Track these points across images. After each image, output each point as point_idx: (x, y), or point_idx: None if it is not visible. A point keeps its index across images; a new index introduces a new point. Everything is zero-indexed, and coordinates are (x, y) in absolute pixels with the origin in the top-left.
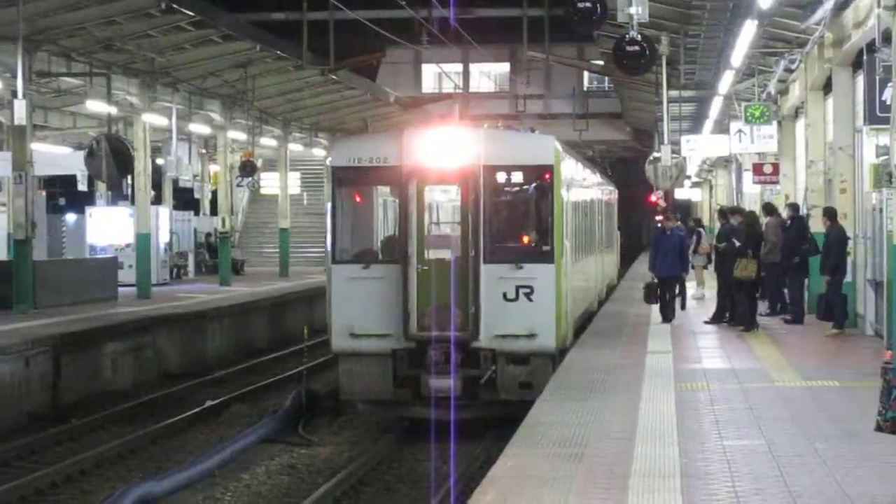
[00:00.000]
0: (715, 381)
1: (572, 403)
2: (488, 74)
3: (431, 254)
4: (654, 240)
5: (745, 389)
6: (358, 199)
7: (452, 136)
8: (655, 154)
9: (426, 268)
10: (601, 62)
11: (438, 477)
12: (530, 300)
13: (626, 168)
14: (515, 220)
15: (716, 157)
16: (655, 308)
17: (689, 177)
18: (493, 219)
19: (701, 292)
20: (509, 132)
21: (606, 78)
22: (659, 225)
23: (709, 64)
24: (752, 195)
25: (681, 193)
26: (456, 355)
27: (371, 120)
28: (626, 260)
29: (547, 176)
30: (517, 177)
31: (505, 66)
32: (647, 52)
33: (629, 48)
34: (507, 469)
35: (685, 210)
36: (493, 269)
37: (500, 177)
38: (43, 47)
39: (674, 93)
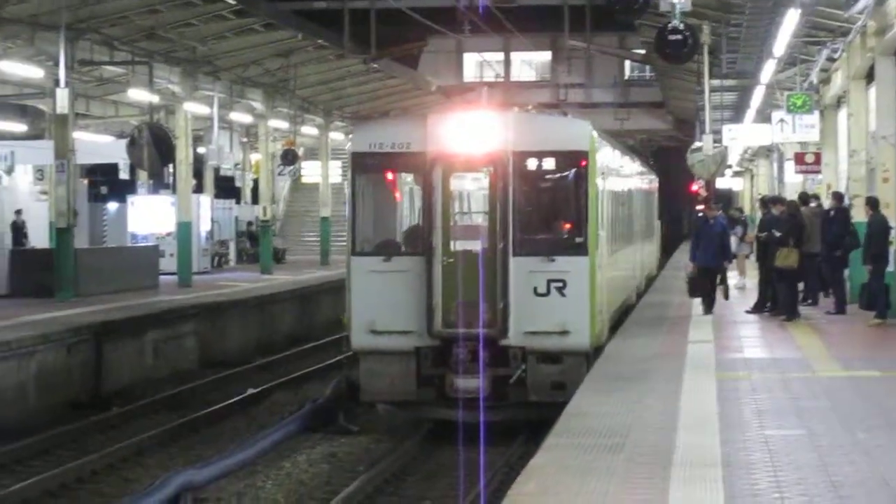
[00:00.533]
0: (756, 371)
1: (613, 393)
2: (530, 63)
3: (458, 245)
4: (696, 229)
5: (787, 379)
6: (379, 187)
7: (480, 121)
8: (697, 143)
9: (452, 260)
10: (643, 51)
11: (467, 484)
12: (563, 295)
13: (667, 157)
14: (547, 209)
15: (757, 147)
16: (697, 299)
17: (730, 166)
18: (524, 208)
19: (743, 282)
20: (541, 116)
21: (648, 67)
22: (700, 214)
23: (751, 53)
24: (793, 185)
25: (722, 183)
26: (484, 353)
27: (411, 109)
28: (668, 250)
29: (581, 163)
30: (549, 164)
31: (546, 55)
32: (690, 41)
33: (671, 37)
34: (547, 459)
35: (726, 200)
36: (524, 262)
37: (531, 164)
38: (85, 36)
39: (715, 82)
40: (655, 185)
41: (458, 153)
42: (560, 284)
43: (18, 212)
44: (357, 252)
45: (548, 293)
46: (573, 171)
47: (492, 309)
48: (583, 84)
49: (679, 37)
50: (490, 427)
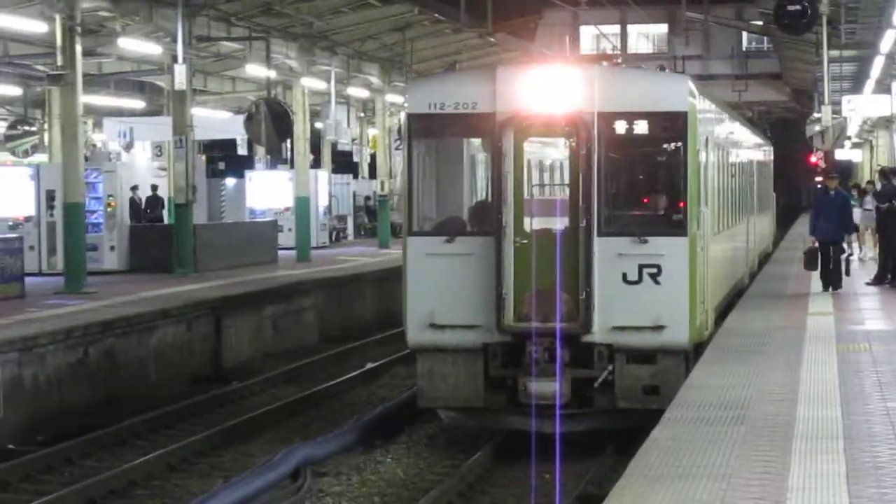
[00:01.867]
0: (877, 343)
1: (732, 366)
2: (646, 35)
3: (533, 224)
4: (816, 201)
5: None
6: (441, 155)
7: (559, 76)
8: (816, 115)
9: (526, 242)
10: (760, 22)
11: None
12: (657, 283)
13: (785, 129)
14: (639, 181)
15: (877, 118)
16: (815, 275)
17: (849, 137)
18: (611, 180)
19: (866, 253)
20: (631, 71)
21: (766, 38)
22: (820, 185)
23: (870, 23)
24: None
25: (841, 154)
26: (563, 352)
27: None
28: (785, 222)
29: (679, 125)
30: (641, 127)
31: (663, 27)
32: (808, 11)
33: (790, 7)
34: (667, 432)
35: (846, 171)
36: (611, 244)
37: (620, 127)
38: (202, 12)
39: (834, 52)
40: (770, 154)
41: (533, 114)
42: (654, 270)
43: (134, 188)
44: (414, 231)
45: (639, 280)
46: (670, 135)
47: (572, 299)
48: (700, 56)
49: (798, 7)
50: (571, 438)
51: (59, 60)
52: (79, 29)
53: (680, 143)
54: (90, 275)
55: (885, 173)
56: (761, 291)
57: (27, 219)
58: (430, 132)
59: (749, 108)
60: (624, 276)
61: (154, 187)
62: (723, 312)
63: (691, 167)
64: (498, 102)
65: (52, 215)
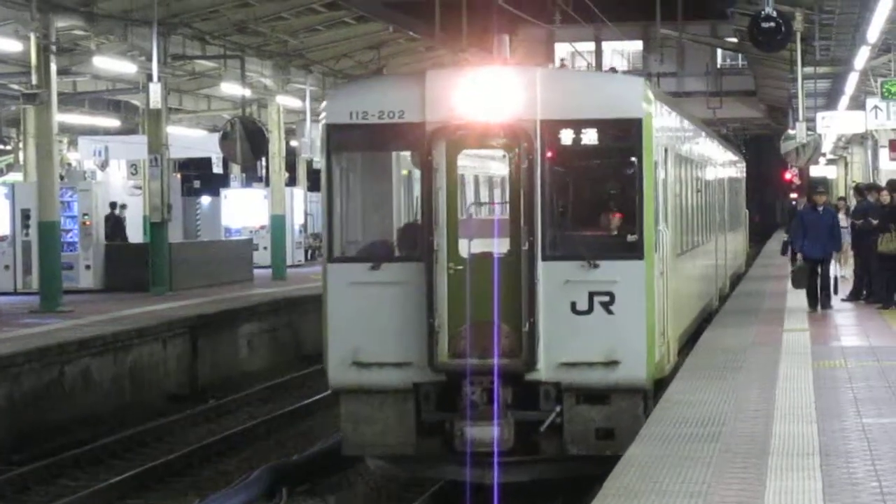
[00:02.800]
0: (853, 359)
1: (708, 382)
2: (621, 52)
3: (469, 247)
4: (802, 218)
5: (884, 367)
6: (364, 170)
7: (496, 80)
8: (790, 131)
9: (461, 268)
10: (735, 39)
11: None
12: (610, 312)
13: (759, 145)
14: (588, 198)
15: (851, 134)
16: (795, 293)
17: (824, 154)
18: (557, 197)
19: (842, 271)
20: (577, 73)
21: (740, 55)
22: (806, 202)
23: (844, 40)
24: (888, 172)
25: (816, 171)
26: (503, 392)
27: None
28: (760, 239)
29: (633, 134)
30: (590, 136)
31: (638, 44)
32: (782, 28)
33: (764, 24)
34: (644, 449)
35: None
36: (557, 269)
37: (566, 136)
38: (177, 31)
39: (809, 69)
40: (742, 170)
41: (466, 123)
42: (606, 298)
43: (120, 205)
44: (335, 257)
45: (590, 310)
46: (623, 145)
47: (514, 332)
48: (675, 73)
49: (772, 24)
50: (514, 489)
51: (34, 79)
52: (53, 48)
53: (634, 155)
54: (66, 293)
55: (859, 190)
56: (737, 308)
57: (2, 238)
58: (351, 145)
59: (724, 124)
60: (572, 305)
61: (112, 205)
62: (690, 339)
63: (647, 182)
64: (427, 110)
65: (27, 234)
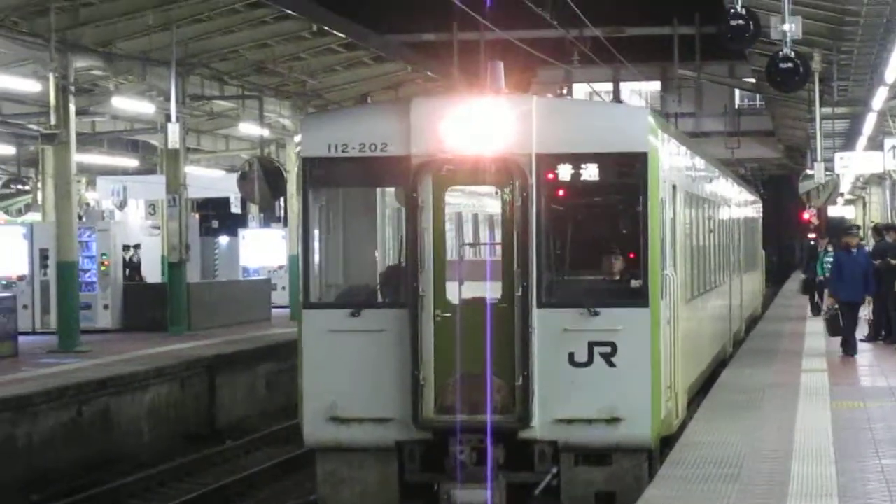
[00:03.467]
0: (872, 400)
1: (726, 422)
2: (639, 93)
3: (457, 292)
4: (836, 261)
5: None
6: (344, 208)
7: (489, 110)
8: (808, 171)
9: (449, 315)
10: (753, 80)
11: None
12: (612, 364)
13: (777, 185)
14: (588, 239)
15: (869, 174)
16: (813, 334)
17: (842, 194)
18: (554, 238)
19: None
20: (577, 102)
21: (758, 95)
22: (815, 242)
23: (862, 80)
24: None
25: (834, 211)
26: (495, 452)
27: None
28: (778, 280)
29: (638, 170)
30: (590, 171)
31: (656, 85)
32: (800, 69)
33: (782, 65)
34: (662, 491)
35: (838, 228)
36: (554, 317)
37: (564, 172)
38: (196, 71)
39: (827, 109)
40: (759, 209)
41: (455, 157)
42: (608, 349)
43: (133, 246)
44: (312, 303)
45: (590, 362)
46: (626, 182)
47: (507, 386)
48: (693, 113)
49: (790, 65)
50: None
51: (53, 119)
52: (72, 88)
53: (639, 192)
54: (84, 333)
55: (878, 230)
56: (755, 348)
57: (20, 278)
58: (330, 180)
59: (742, 164)
60: (570, 356)
61: (125, 248)
62: (702, 388)
63: (653, 221)
64: (413, 143)
65: (45, 274)
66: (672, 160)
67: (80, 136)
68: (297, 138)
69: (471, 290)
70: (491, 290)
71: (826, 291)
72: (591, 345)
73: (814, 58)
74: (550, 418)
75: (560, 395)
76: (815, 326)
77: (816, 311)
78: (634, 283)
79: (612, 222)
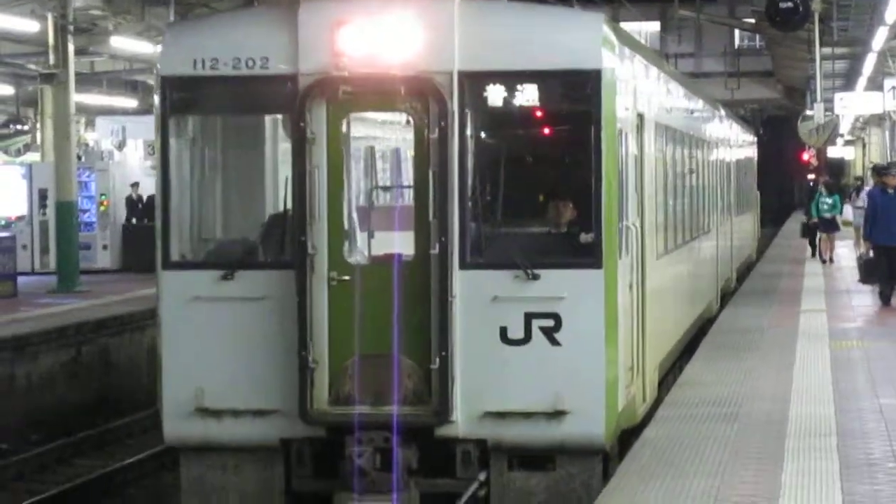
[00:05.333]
0: (870, 340)
1: (724, 363)
2: (639, 33)
3: (358, 250)
4: (873, 202)
5: None
6: (214, 141)
7: (399, 16)
8: (808, 112)
9: (347, 278)
10: (753, 20)
11: None
12: (555, 342)
13: (777, 126)
14: (526, 181)
15: (869, 115)
16: (812, 274)
17: (841, 135)
18: (481, 180)
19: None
20: (511, 7)
21: (758, 36)
22: (876, 184)
23: (862, 20)
24: None
25: (833, 152)
26: (405, 453)
27: None
28: (778, 221)
29: (589, 93)
30: (528, 94)
31: (655, 25)
32: (800, 8)
33: (782, 5)
34: (661, 430)
35: (838, 168)
36: (481, 281)
37: (495, 95)
38: (195, 10)
39: (826, 50)
40: (753, 147)
41: (356, 76)
42: (550, 323)
43: (134, 185)
44: (173, 262)
45: (527, 339)
46: (574, 108)
47: (420, 370)
48: (693, 54)
49: (790, 4)
50: None
51: (52, 59)
52: (71, 28)
53: (590, 122)
54: (83, 274)
55: (877, 170)
56: (753, 289)
57: (19, 218)
58: (196, 105)
59: (742, 105)
60: (502, 332)
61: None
62: (682, 355)
63: (608, 159)
64: (301, 58)
65: (44, 214)
66: (638, 83)
67: (79, 76)
68: (158, 52)
69: (379, 246)
70: (400, 246)
71: (823, 234)
72: (529, 317)
73: None
74: (477, 411)
75: (489, 382)
76: (814, 268)
77: (815, 252)
78: (584, 238)
79: (556, 159)
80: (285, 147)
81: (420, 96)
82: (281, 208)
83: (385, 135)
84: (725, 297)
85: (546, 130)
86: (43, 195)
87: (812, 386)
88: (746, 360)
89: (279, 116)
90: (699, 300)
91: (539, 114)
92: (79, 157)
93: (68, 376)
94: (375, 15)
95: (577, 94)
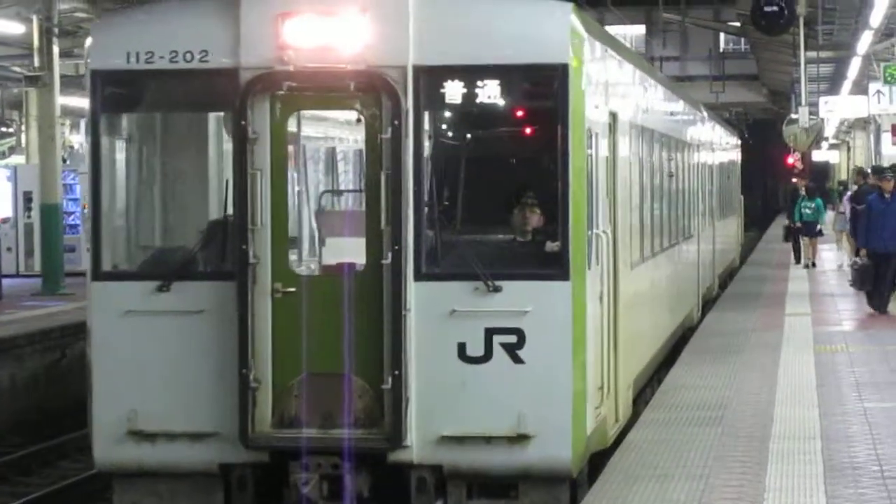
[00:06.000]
0: (854, 344)
1: (708, 366)
2: (623, 37)
3: (304, 261)
4: (869, 208)
5: (886, 351)
6: (149, 140)
7: (347, 7)
8: (793, 115)
9: (293, 290)
10: (738, 23)
11: None
12: (518, 360)
13: (762, 129)
14: (487, 186)
15: (854, 119)
16: (796, 279)
17: (826, 139)
18: (438, 183)
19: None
20: None
21: (743, 39)
22: (872, 188)
23: (847, 24)
24: (891, 157)
25: (818, 156)
26: (356, 481)
27: None
28: (763, 225)
29: (555, 89)
30: (489, 91)
31: (640, 29)
32: (785, 12)
33: (767, 8)
34: (645, 434)
35: (823, 172)
36: (438, 293)
37: (453, 91)
38: None
39: (811, 54)
40: (737, 149)
41: (302, 70)
42: (513, 339)
43: None
44: (104, 273)
45: (487, 357)
46: (539, 105)
47: (372, 390)
48: (678, 57)
49: (775, 8)
50: None
51: (37, 62)
52: (56, 30)
53: (556, 121)
54: (68, 276)
55: (861, 173)
56: (738, 292)
57: (4, 220)
58: (130, 101)
59: (727, 109)
60: (461, 349)
61: None
62: (667, 359)
63: (576, 160)
64: (243, 50)
65: (29, 217)
66: (610, 78)
67: (64, 78)
68: (87, 45)
69: (329, 255)
70: (351, 256)
71: (806, 239)
72: (490, 332)
73: (799, 1)
74: (433, 435)
75: (446, 404)
76: (798, 272)
77: (798, 257)
78: (550, 247)
79: (520, 162)
80: (230, 147)
81: (372, 92)
82: (222, 214)
83: (345, 135)
84: (707, 304)
85: (509, 130)
86: (28, 197)
87: (796, 389)
88: (731, 364)
89: (221, 114)
90: (679, 310)
91: (501, 112)
92: (63, 160)
93: (52, 379)
94: (323, 5)
95: (542, 90)
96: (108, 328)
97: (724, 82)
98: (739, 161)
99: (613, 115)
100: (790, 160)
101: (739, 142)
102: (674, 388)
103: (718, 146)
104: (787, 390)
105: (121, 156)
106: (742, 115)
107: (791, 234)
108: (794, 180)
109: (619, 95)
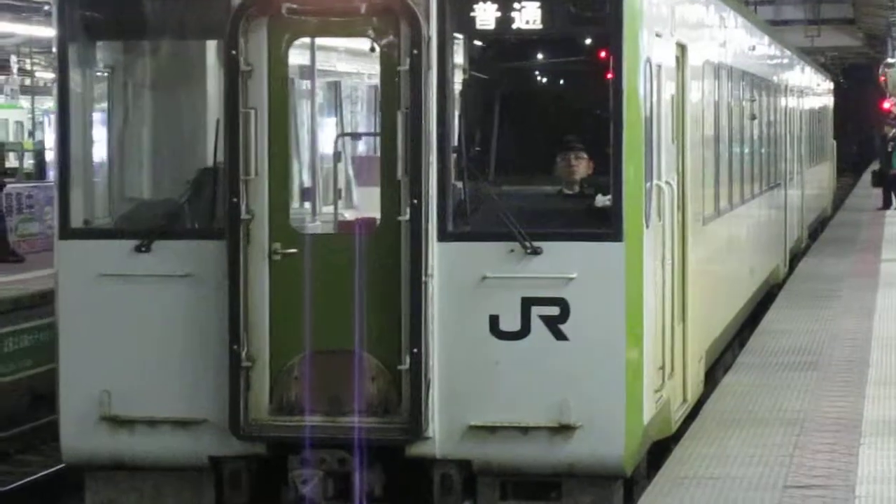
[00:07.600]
0: None
1: (803, 311)
2: None
3: (309, 218)
4: None
5: None
6: (126, 75)
7: None
8: (889, 59)
9: (294, 252)
10: None
11: None
12: (561, 336)
13: (858, 74)
14: (526, 128)
15: None
16: (893, 222)
17: None
18: (467, 125)
19: None
20: None
21: None
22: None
23: None
24: None
25: None
26: (368, 478)
27: None
28: (858, 169)
29: (607, 15)
30: (528, 14)
31: None
32: None
33: None
34: (741, 377)
35: None
36: (466, 256)
37: (485, 15)
38: None
39: None
40: (829, 91)
41: None
42: (555, 311)
43: None
44: (72, 231)
45: (525, 332)
46: (588, 31)
47: (388, 371)
48: (772, 1)
49: None
50: None
51: None
52: None
53: (608, 49)
54: None
55: None
56: (833, 238)
57: None
58: (105, 26)
59: (821, 53)
60: (493, 322)
61: None
62: (738, 334)
63: (631, 98)
64: None
65: None
66: (678, 6)
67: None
68: None
69: (352, 210)
70: (363, 211)
71: None
72: (528, 303)
73: None
74: (459, 425)
75: (475, 388)
76: (893, 217)
77: (887, 204)
78: (601, 201)
79: (565, 99)
80: (190, 84)
81: (387, 17)
82: (212, 161)
83: (367, 69)
84: (794, 258)
85: (551, 61)
86: None
87: (893, 335)
88: (826, 309)
89: (206, 44)
90: (762, 268)
91: (542, 39)
92: None
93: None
94: None
95: (591, 13)
96: (77, 295)
97: (820, 26)
98: (832, 105)
99: (682, 47)
100: (886, 105)
101: (832, 85)
102: (768, 333)
103: (809, 89)
104: (882, 335)
105: (91, 92)
106: (837, 59)
107: (882, 180)
108: (886, 128)
109: (686, 24)
